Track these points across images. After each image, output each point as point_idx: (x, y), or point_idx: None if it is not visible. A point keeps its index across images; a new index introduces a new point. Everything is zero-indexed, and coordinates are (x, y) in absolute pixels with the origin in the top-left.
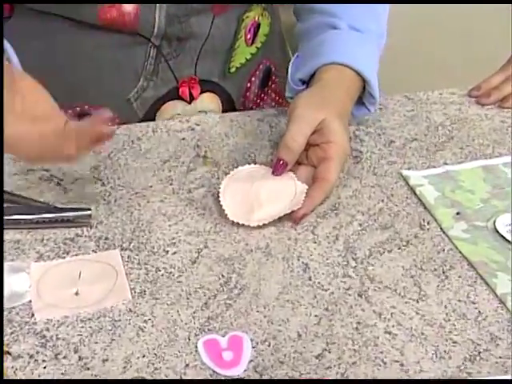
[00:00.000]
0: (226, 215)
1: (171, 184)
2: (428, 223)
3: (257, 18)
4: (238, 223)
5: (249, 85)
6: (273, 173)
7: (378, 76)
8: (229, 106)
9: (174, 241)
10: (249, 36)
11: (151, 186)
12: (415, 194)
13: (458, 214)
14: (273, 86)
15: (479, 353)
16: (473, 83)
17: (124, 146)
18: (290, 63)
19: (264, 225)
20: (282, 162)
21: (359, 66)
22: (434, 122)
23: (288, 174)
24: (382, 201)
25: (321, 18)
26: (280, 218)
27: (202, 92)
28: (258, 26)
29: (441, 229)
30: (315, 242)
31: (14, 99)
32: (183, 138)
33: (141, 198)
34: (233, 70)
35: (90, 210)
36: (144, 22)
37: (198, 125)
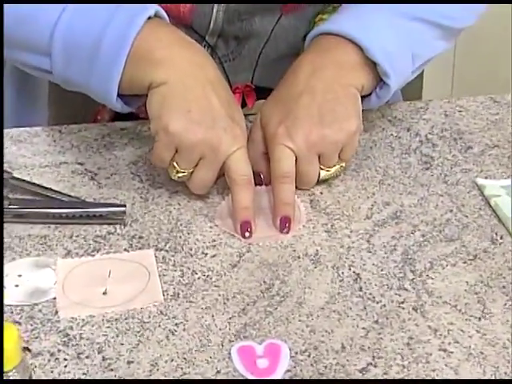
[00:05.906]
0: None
1: (216, 183)
2: (501, 237)
3: None
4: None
5: None
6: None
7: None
8: None
9: (214, 243)
10: None
11: None
12: (489, 205)
13: None
14: None
15: None
16: None
17: None
18: None
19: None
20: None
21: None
22: None
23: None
24: (451, 211)
25: None
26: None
27: (257, 99)
28: None
29: None
30: (370, 252)
31: None
32: None
33: (181, 197)
34: None
35: (124, 206)
36: (199, 16)
37: None
